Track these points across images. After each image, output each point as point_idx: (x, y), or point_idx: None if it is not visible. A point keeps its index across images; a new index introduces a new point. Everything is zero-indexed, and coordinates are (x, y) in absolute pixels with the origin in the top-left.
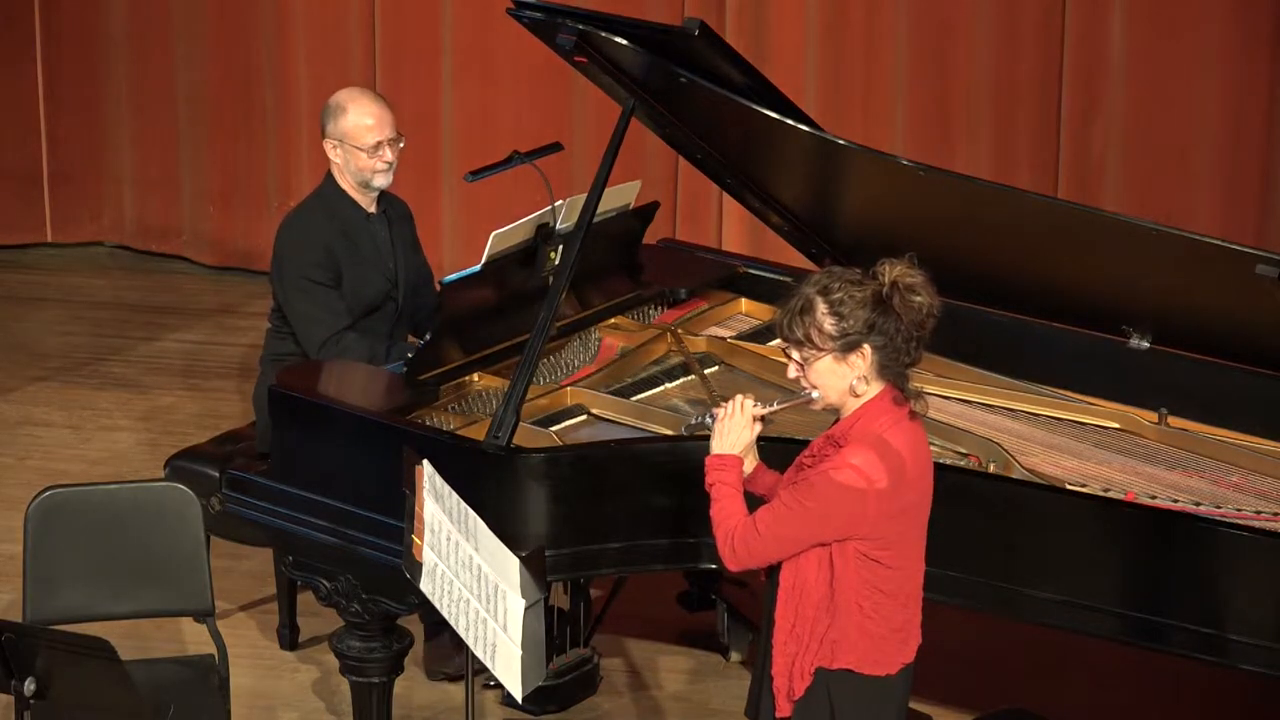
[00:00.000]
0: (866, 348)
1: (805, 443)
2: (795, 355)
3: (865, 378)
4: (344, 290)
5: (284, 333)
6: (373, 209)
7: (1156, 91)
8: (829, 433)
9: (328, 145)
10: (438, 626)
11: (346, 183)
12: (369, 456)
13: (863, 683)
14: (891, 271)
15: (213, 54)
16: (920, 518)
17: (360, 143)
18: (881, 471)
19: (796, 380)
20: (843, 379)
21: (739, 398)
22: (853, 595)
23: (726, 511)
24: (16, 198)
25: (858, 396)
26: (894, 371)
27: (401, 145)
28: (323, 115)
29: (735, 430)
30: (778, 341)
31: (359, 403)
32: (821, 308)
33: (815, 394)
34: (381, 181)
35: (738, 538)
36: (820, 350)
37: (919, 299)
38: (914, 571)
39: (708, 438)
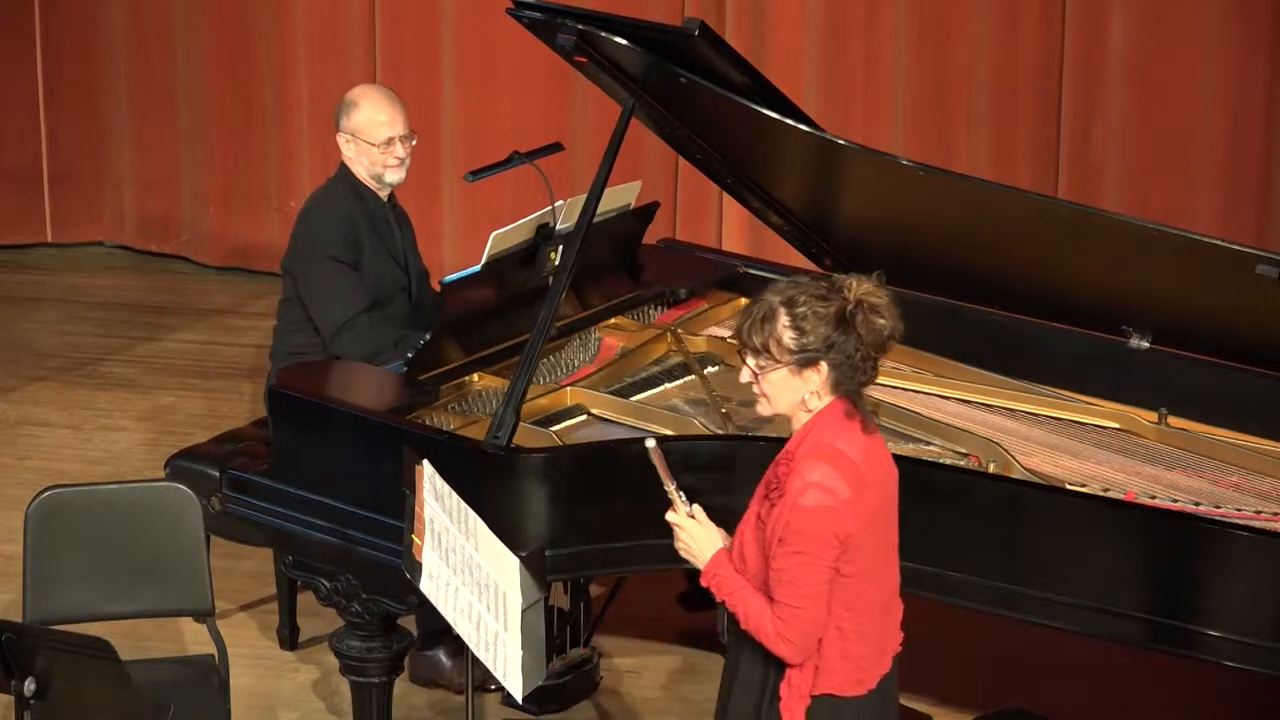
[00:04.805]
0: (823, 364)
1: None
2: (751, 362)
3: (818, 393)
4: (363, 273)
5: (297, 325)
6: (385, 198)
7: (1156, 90)
8: (779, 456)
9: (341, 139)
10: (431, 639)
11: (360, 174)
12: (369, 456)
13: (842, 706)
14: (858, 289)
15: (213, 54)
16: (886, 522)
17: (371, 138)
18: (841, 480)
19: (749, 385)
20: (795, 392)
21: (676, 515)
22: (830, 619)
23: (754, 614)
24: (16, 198)
25: (809, 410)
26: (848, 388)
27: (414, 142)
28: (337, 110)
29: (699, 537)
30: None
31: (359, 402)
32: (784, 319)
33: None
34: (393, 177)
35: (784, 630)
36: (777, 362)
37: (882, 321)
38: (885, 579)
39: (717, 437)
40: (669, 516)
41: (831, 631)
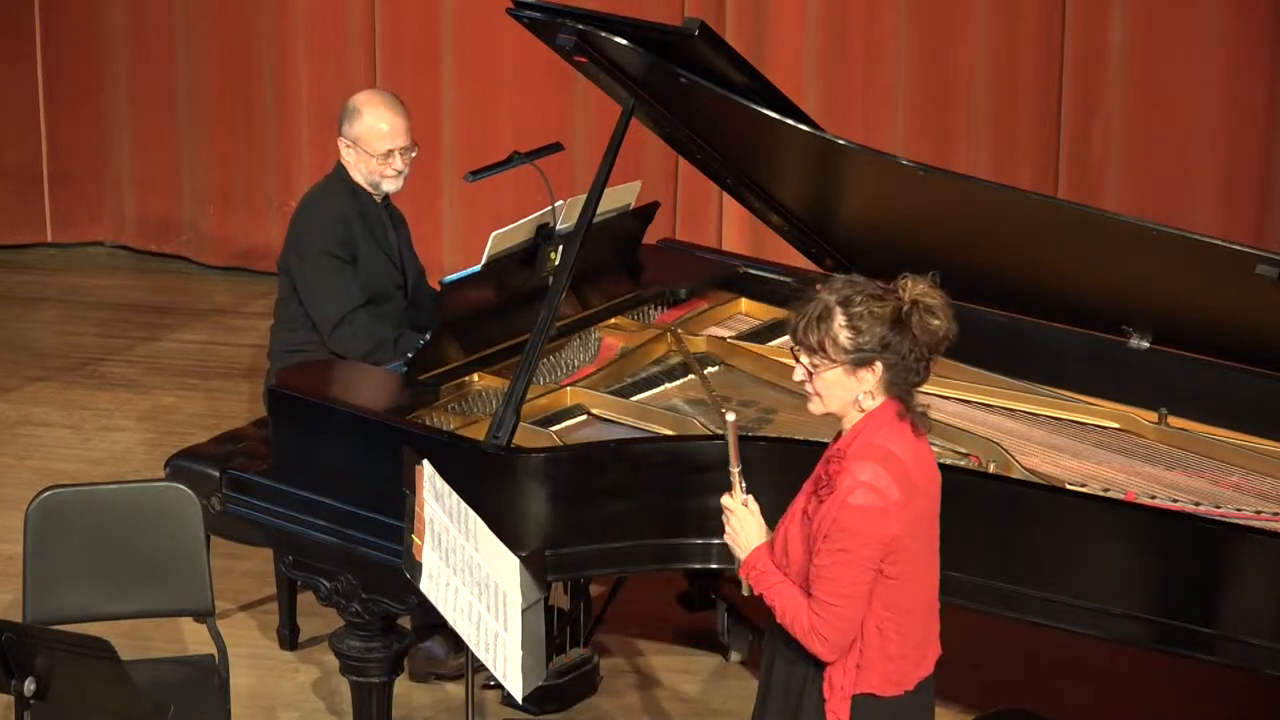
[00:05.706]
0: (878, 364)
1: (808, 443)
2: (805, 360)
3: (871, 393)
4: (359, 271)
5: (295, 323)
6: (379, 198)
7: (1156, 91)
8: (829, 454)
9: (341, 144)
10: (426, 631)
11: (357, 179)
12: (369, 456)
13: (880, 705)
14: (913, 289)
15: (213, 54)
16: (930, 526)
17: (371, 149)
18: (891, 482)
19: (801, 384)
20: (849, 391)
21: (731, 499)
22: (871, 620)
23: (790, 609)
24: (16, 198)
25: (861, 410)
26: (901, 389)
27: (414, 154)
28: (340, 114)
29: (748, 525)
30: (780, 341)
31: (359, 403)
32: (840, 319)
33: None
34: (390, 187)
35: (819, 626)
36: (832, 361)
37: (937, 322)
38: (928, 582)
39: (717, 437)
40: (724, 500)
41: (872, 631)
